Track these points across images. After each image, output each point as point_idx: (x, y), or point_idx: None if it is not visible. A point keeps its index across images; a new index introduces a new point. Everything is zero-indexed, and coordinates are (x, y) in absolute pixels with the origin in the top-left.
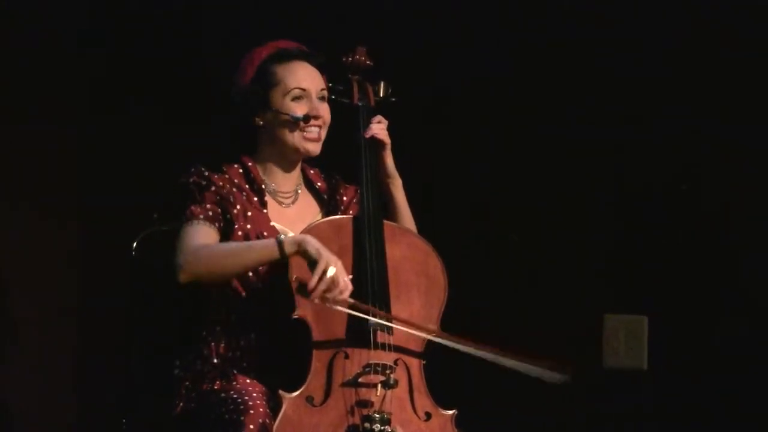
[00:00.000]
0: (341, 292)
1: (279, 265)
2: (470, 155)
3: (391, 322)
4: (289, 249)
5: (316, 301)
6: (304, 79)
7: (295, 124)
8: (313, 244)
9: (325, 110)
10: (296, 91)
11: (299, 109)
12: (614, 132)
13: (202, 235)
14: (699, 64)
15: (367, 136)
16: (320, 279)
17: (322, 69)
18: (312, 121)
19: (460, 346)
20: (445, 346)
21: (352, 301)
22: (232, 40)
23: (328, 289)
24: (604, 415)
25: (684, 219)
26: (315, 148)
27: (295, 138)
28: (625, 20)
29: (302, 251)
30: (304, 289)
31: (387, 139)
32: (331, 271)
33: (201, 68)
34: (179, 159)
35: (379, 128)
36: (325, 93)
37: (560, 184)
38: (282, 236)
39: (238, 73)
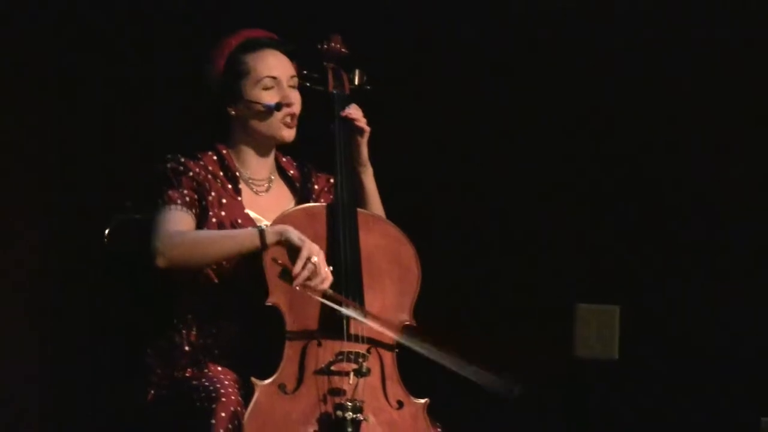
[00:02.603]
0: (323, 281)
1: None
2: (443, 145)
3: (364, 317)
4: (270, 239)
5: (298, 288)
6: (274, 67)
7: (268, 112)
8: (295, 233)
9: (296, 98)
10: (267, 80)
11: (271, 98)
12: (587, 125)
13: (180, 220)
14: (668, 62)
15: (347, 116)
16: (304, 266)
17: (292, 57)
18: (285, 109)
19: (421, 350)
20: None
21: (330, 291)
22: (207, 29)
23: (310, 277)
24: (574, 405)
25: (656, 209)
26: (290, 135)
27: (270, 126)
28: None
29: (284, 240)
30: (286, 275)
31: (366, 127)
32: (314, 259)
33: (175, 58)
34: (153, 147)
35: (358, 114)
36: (296, 81)
37: (533, 174)
38: (264, 226)
39: (208, 64)
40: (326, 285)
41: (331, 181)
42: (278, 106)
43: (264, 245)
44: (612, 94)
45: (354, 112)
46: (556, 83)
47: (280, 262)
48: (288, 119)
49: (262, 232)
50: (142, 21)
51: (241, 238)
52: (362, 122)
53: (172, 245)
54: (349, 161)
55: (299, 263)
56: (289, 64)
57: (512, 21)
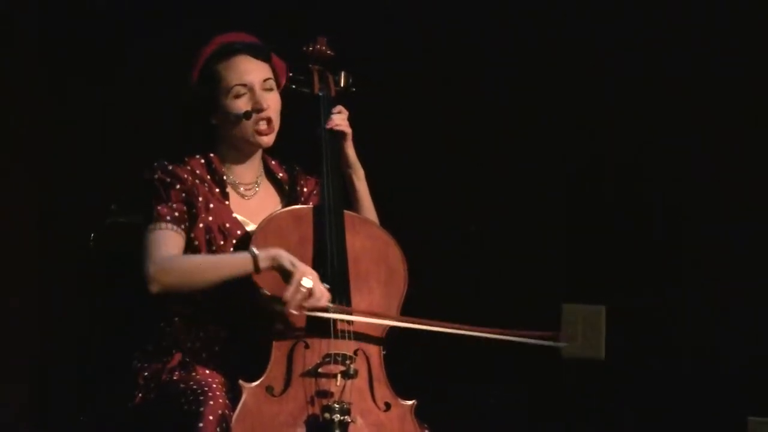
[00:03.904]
0: (318, 300)
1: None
2: (431, 147)
3: (351, 316)
4: (263, 264)
5: (294, 312)
6: (245, 73)
7: (240, 121)
8: (287, 257)
9: (271, 100)
10: (238, 88)
11: (242, 106)
12: (587, 125)
13: (170, 241)
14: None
15: (328, 126)
16: (296, 291)
17: (269, 59)
18: (255, 115)
19: (426, 327)
20: (409, 335)
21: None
22: (206, 29)
23: (304, 299)
24: (560, 405)
25: (642, 210)
26: (268, 140)
27: (245, 133)
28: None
29: (277, 266)
30: (279, 302)
31: (348, 129)
32: (306, 282)
33: (175, 58)
34: (140, 151)
35: (339, 118)
36: (272, 83)
37: (520, 175)
38: (255, 250)
39: (186, 75)
40: (323, 303)
41: None
42: (247, 115)
43: (257, 270)
44: (612, 94)
45: (336, 117)
46: (556, 83)
47: (269, 292)
48: (262, 124)
49: (255, 258)
50: (142, 20)
51: (234, 265)
52: (343, 126)
53: (164, 272)
54: (335, 163)
55: (291, 289)
56: (262, 67)
57: (512, 21)
